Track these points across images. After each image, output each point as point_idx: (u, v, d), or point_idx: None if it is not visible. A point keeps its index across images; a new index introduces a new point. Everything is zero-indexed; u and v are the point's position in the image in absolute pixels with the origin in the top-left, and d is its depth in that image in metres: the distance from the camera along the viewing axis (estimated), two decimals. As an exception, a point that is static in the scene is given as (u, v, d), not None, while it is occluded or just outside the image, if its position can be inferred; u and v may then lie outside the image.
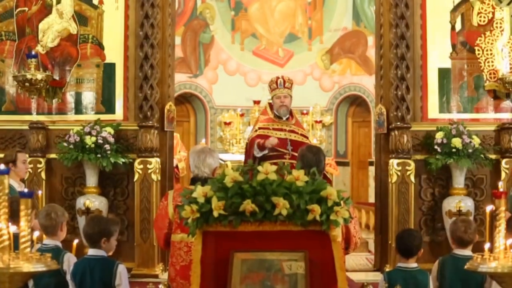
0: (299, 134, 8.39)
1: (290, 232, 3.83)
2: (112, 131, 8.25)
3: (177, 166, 10.62)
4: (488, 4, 8.58)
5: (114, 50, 8.60)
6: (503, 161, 8.30)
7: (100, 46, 8.63)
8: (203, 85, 15.89)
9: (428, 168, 8.27)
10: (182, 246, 5.16)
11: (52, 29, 8.62)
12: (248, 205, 3.78)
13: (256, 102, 14.78)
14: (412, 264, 5.22)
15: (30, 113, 8.57)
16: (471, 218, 7.91)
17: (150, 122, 8.32)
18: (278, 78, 8.42)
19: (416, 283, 5.14)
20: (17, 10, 8.66)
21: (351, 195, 14.53)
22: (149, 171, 8.25)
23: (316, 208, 3.78)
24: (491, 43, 8.55)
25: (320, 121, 15.49)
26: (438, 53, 8.57)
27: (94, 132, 8.17)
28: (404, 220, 8.19)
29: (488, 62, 8.53)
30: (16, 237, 3.31)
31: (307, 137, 8.56)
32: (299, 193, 3.82)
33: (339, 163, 14.57)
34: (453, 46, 8.58)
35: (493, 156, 8.37)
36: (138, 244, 8.26)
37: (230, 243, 3.78)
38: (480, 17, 8.60)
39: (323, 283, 3.74)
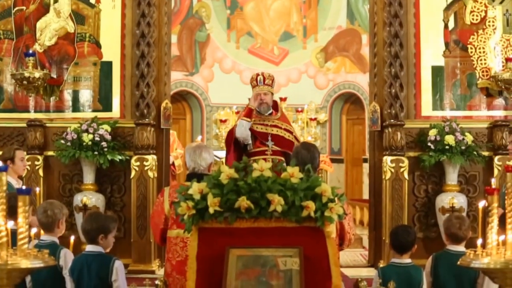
0: (283, 128, 7.94)
1: (285, 229, 3.85)
2: (109, 129, 8.30)
3: (173, 163, 10.64)
4: (481, 2, 8.61)
5: (111, 49, 8.63)
6: (496, 158, 8.35)
7: (97, 45, 8.66)
8: (199, 83, 15.90)
9: (422, 165, 8.30)
10: (178, 241, 5.20)
11: (50, 27, 8.66)
12: (243, 202, 3.80)
13: (252, 100, 14.77)
14: (406, 260, 5.24)
15: (28, 111, 8.64)
16: (464, 214, 7.95)
17: (147, 119, 8.36)
18: (258, 75, 7.99)
19: (410, 279, 5.14)
20: (15, 9, 8.69)
21: (345, 191, 14.31)
22: (146, 168, 8.29)
23: (311, 205, 3.81)
24: (484, 41, 8.59)
25: (315, 119, 15.50)
26: (432, 51, 8.60)
27: (91, 130, 8.21)
28: (397, 216, 8.22)
29: (481, 60, 8.57)
30: (13, 233, 3.31)
31: (291, 132, 7.99)
32: (294, 189, 3.84)
33: (333, 160, 14.62)
34: (446, 44, 8.61)
35: (485, 153, 8.41)
36: (135, 240, 8.30)
37: (225, 240, 3.79)
38: (473, 15, 8.64)
39: (317, 279, 3.77)
